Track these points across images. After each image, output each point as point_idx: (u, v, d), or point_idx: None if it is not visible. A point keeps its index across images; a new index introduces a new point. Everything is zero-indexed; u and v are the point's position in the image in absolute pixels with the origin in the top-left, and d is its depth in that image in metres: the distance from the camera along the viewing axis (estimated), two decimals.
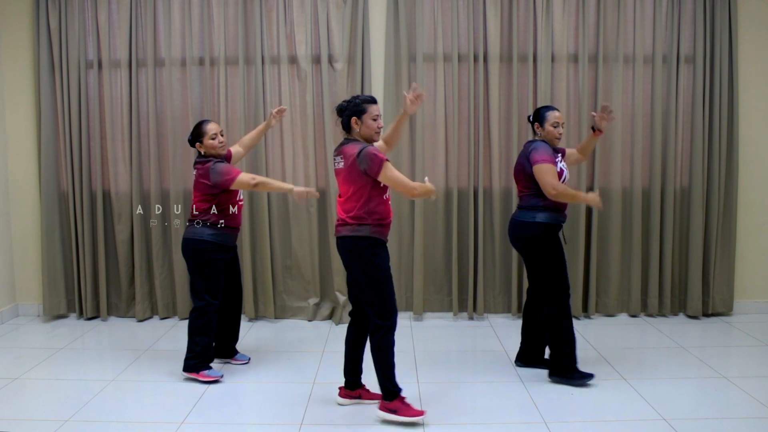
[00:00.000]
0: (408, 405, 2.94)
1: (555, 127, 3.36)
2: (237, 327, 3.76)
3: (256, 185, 3.41)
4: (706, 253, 4.55)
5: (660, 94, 4.50)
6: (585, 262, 4.57)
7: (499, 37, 4.46)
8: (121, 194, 4.60)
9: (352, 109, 2.91)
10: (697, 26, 4.47)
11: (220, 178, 3.34)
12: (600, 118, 3.51)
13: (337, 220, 2.96)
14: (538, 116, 3.42)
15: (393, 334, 2.92)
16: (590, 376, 3.36)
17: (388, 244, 2.98)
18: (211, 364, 3.53)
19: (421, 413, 2.92)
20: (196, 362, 3.45)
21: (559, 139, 3.39)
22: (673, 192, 4.52)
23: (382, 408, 2.95)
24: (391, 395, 2.94)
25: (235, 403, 3.18)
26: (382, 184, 2.87)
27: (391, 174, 2.84)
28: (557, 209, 3.32)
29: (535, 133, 3.45)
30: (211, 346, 3.52)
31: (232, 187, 3.36)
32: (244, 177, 3.37)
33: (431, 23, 4.50)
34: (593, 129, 3.55)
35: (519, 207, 3.42)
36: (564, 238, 3.44)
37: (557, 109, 3.44)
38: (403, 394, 2.96)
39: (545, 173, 3.23)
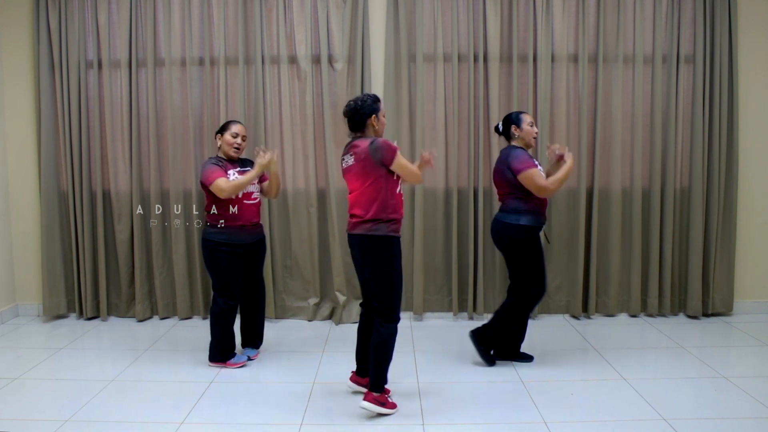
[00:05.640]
0: (389, 398, 3.05)
1: (531, 126, 3.54)
2: (253, 324, 3.81)
3: (232, 187, 3.41)
4: (706, 253, 4.55)
5: (660, 94, 4.50)
6: (585, 262, 4.56)
7: (499, 37, 4.46)
8: (121, 194, 4.60)
9: (369, 108, 2.99)
10: (697, 26, 4.47)
11: (202, 175, 3.50)
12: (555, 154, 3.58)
13: (351, 217, 3.01)
14: (514, 119, 3.56)
15: (397, 329, 3.03)
16: (531, 358, 3.69)
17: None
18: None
19: (395, 406, 3.04)
20: (213, 353, 3.65)
21: (535, 138, 3.57)
22: (673, 192, 4.53)
23: (372, 400, 2.99)
24: (382, 388, 3.01)
25: (235, 403, 3.18)
26: (395, 176, 2.96)
27: (403, 162, 2.96)
28: (538, 212, 3.47)
29: (509, 138, 3.57)
30: (229, 338, 3.66)
31: (211, 188, 3.42)
32: (221, 182, 3.40)
33: (431, 23, 4.50)
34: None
35: (502, 210, 3.53)
36: (547, 239, 3.55)
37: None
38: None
39: (533, 178, 3.38)
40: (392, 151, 2.91)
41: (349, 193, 3.05)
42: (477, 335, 3.61)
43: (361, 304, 3.24)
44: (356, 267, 3.10)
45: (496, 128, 3.66)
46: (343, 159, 3.06)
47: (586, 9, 4.45)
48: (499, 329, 3.56)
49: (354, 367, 3.29)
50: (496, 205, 4.47)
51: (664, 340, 4.10)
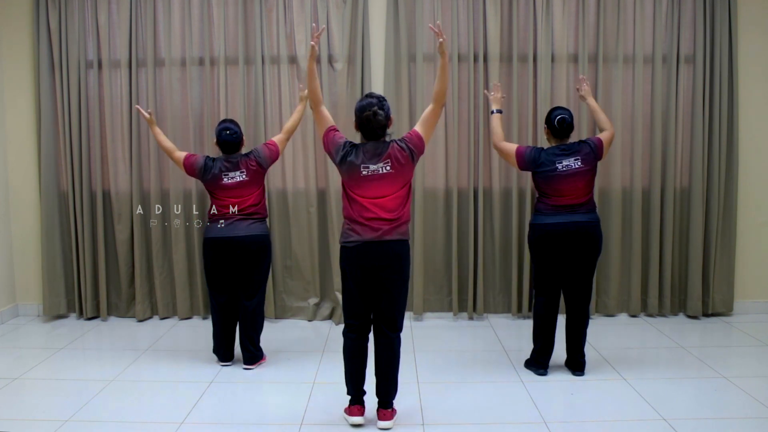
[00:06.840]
0: None
1: None
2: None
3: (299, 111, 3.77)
4: (706, 253, 4.55)
5: (660, 94, 4.50)
6: None
7: (499, 37, 4.46)
8: (121, 194, 4.60)
9: (389, 111, 2.84)
10: (697, 26, 4.47)
11: (267, 154, 3.58)
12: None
13: (386, 222, 2.75)
14: None
15: None
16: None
17: None
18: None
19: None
20: (258, 349, 3.71)
21: None
22: (673, 192, 4.52)
23: (393, 416, 2.90)
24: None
25: (235, 403, 3.18)
26: None
27: (424, 119, 2.84)
28: None
29: (567, 135, 3.40)
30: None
31: (281, 150, 3.67)
32: (278, 136, 3.70)
33: (431, 23, 4.50)
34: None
35: (589, 211, 3.36)
36: None
37: None
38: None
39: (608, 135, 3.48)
40: (418, 135, 2.80)
41: (376, 196, 2.76)
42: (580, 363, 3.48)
43: (353, 328, 2.90)
44: (370, 277, 2.79)
45: (564, 121, 3.35)
46: (366, 167, 2.74)
47: (586, 9, 4.45)
48: (584, 341, 3.49)
49: (346, 400, 2.95)
50: (497, 205, 4.51)
51: (664, 340, 4.10)
